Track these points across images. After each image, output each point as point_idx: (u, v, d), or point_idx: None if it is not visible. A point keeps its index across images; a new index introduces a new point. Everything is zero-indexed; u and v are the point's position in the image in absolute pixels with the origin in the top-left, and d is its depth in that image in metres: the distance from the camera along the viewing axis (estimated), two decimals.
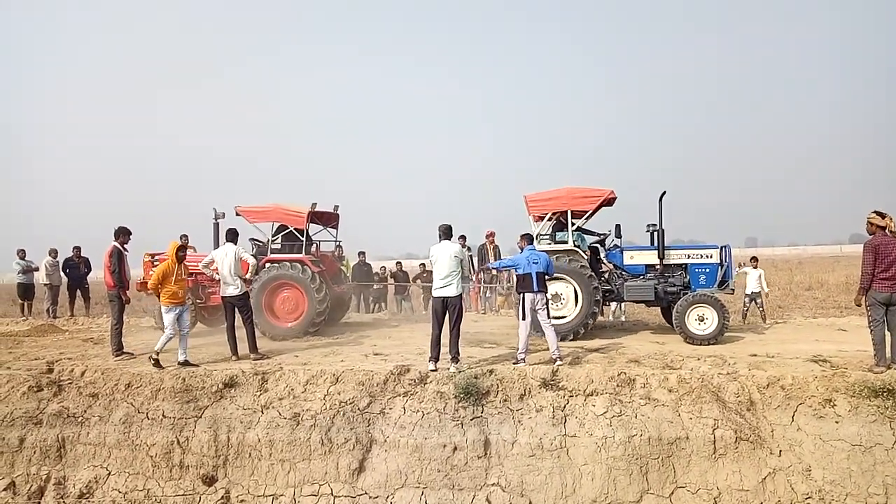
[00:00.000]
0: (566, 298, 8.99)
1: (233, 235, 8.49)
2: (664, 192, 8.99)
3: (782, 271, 26.83)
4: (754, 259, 12.14)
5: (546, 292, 7.66)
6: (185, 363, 7.66)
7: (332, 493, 6.32)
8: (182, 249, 7.95)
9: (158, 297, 7.79)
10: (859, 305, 6.82)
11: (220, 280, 8.31)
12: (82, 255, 14.67)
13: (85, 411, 7.08)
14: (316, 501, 6.29)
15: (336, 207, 11.18)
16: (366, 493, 6.30)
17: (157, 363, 7.50)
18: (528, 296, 7.43)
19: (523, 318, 7.46)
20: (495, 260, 13.59)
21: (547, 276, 7.65)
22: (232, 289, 8.16)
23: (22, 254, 14.84)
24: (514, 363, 7.32)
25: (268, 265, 9.91)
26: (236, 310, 8.30)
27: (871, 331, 6.56)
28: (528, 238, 7.96)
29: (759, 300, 11.71)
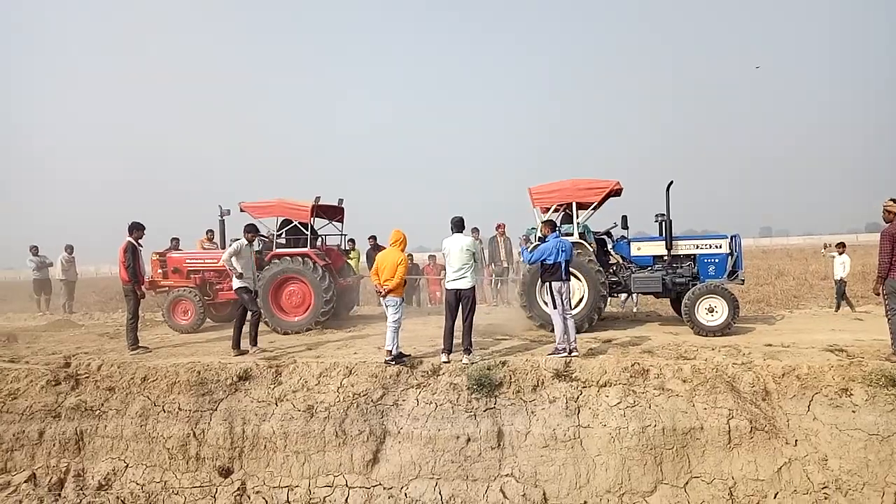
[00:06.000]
0: (572, 291, 8.91)
1: (252, 230, 8.49)
2: (671, 182, 8.90)
3: (797, 261, 26.57)
4: (840, 245, 11.81)
5: (570, 280, 7.60)
6: (401, 355, 7.29)
7: (346, 485, 6.37)
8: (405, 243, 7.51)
9: (391, 293, 7.25)
10: (878, 294, 6.75)
11: (235, 275, 8.30)
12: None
13: (102, 404, 7.17)
14: (331, 492, 6.34)
15: (340, 201, 11.17)
16: (380, 484, 6.33)
17: (398, 358, 7.17)
18: (556, 284, 7.35)
19: (555, 308, 7.40)
20: (505, 253, 13.59)
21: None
22: (251, 283, 8.24)
23: (35, 250, 14.99)
24: (550, 354, 7.25)
25: (273, 260, 9.94)
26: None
27: (889, 319, 6.50)
28: (551, 225, 7.79)
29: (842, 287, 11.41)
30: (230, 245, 8.27)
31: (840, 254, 11.39)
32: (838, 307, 11.31)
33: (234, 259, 8.01)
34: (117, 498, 6.55)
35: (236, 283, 8.15)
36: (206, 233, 12.61)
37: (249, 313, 8.27)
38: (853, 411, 5.93)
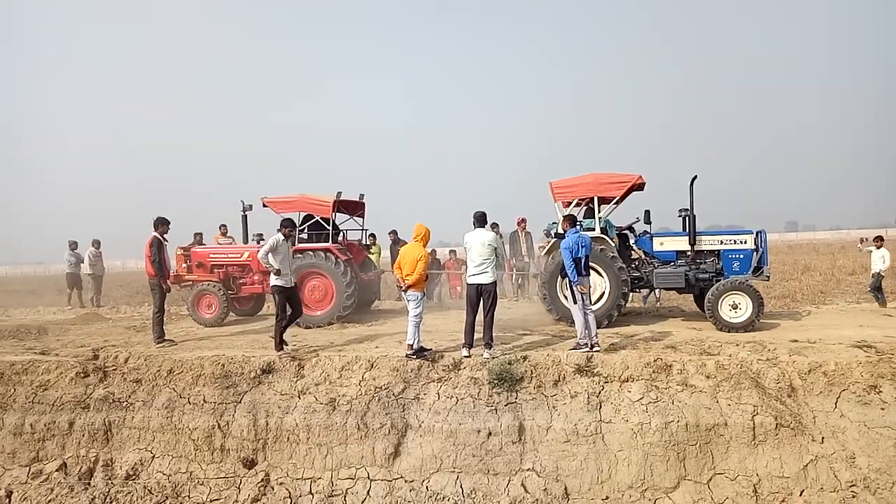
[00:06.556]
0: (593, 286, 8.80)
1: (289, 224, 8.24)
2: (695, 177, 8.78)
3: (824, 255, 26.06)
4: (878, 238, 11.59)
5: (590, 276, 7.54)
6: (422, 349, 7.30)
7: (368, 477, 6.42)
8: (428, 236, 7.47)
9: (411, 287, 7.29)
10: None
11: (272, 272, 8.00)
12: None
13: (129, 396, 7.31)
14: (353, 485, 6.39)
15: (362, 196, 11.26)
16: (402, 477, 6.37)
17: (419, 353, 7.20)
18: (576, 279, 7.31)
19: (575, 303, 7.36)
20: (526, 248, 13.53)
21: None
22: (288, 280, 8.06)
23: (73, 245, 15.37)
24: (571, 349, 7.23)
25: (295, 255, 9.98)
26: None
27: None
28: (571, 220, 7.68)
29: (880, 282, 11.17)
30: (254, 239, 8.23)
31: (878, 247, 11.16)
32: (878, 300, 11.00)
33: (270, 255, 7.78)
34: (144, 487, 6.67)
35: (273, 280, 7.93)
36: (220, 227, 12.79)
37: (276, 316, 7.95)
38: (882, 409, 5.82)
